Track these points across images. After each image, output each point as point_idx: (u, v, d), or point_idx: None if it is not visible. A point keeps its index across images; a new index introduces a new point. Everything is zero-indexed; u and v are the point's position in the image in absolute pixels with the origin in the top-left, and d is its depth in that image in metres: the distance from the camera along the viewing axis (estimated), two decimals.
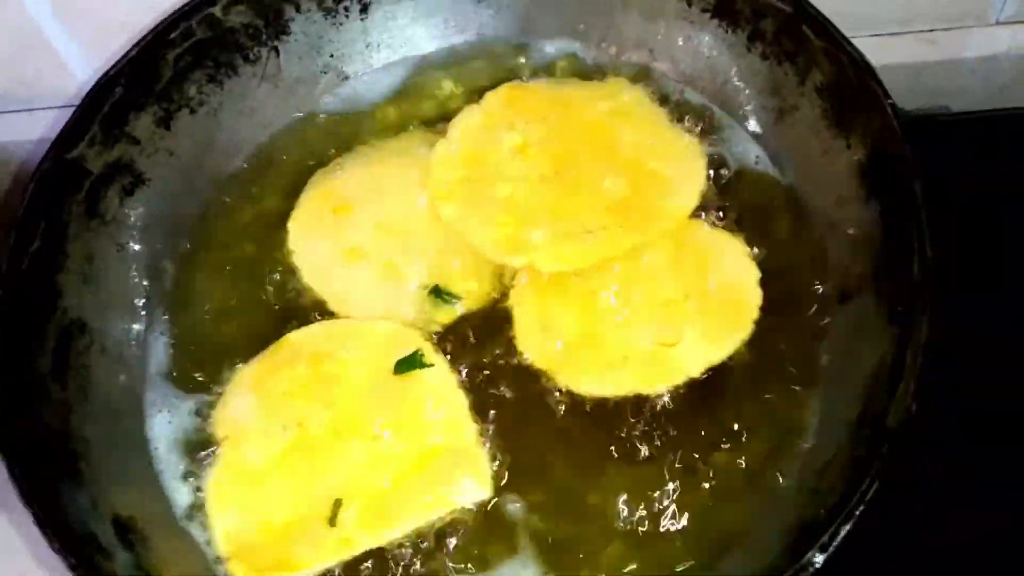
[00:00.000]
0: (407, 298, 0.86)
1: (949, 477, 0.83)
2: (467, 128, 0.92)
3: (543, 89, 0.94)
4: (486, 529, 0.77)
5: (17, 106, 1.08)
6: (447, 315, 0.86)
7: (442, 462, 0.79)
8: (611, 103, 0.92)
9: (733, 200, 0.88)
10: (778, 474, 0.77)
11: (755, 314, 0.82)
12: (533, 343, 0.83)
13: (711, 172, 0.89)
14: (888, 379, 0.71)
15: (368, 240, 0.89)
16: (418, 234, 0.89)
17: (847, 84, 0.82)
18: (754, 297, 0.83)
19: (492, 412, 0.81)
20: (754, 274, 0.84)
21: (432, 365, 0.82)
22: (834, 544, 0.64)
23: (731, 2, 0.89)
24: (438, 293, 0.86)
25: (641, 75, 0.95)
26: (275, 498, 0.79)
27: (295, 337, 0.85)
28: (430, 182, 0.90)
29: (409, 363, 0.82)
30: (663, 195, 0.87)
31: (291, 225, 0.91)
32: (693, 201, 0.87)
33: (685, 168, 0.89)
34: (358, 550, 0.77)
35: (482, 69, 0.98)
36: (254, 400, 0.83)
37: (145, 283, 0.90)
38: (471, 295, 0.86)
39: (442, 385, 0.82)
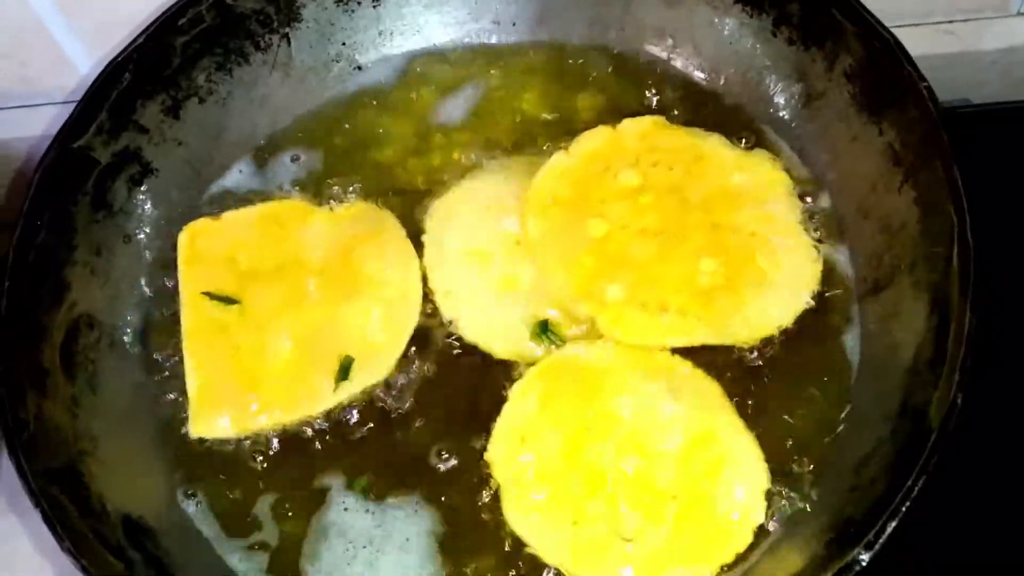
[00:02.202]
0: (514, 318, 0.83)
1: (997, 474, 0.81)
2: (591, 149, 0.88)
3: (685, 136, 0.88)
4: None
5: (18, 102, 1.05)
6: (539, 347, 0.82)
7: None
8: (747, 176, 0.85)
9: None
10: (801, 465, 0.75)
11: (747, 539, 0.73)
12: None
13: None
14: (930, 370, 0.69)
15: (498, 248, 0.85)
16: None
17: (879, 68, 0.80)
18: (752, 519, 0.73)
19: None
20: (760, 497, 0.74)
21: None
22: (880, 541, 0.61)
23: None
24: (544, 330, 0.81)
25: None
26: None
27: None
28: (532, 190, 0.86)
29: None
30: (756, 300, 0.80)
31: (436, 205, 0.88)
32: (786, 320, 0.80)
33: (794, 280, 0.81)
34: None
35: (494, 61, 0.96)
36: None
37: (154, 276, 0.87)
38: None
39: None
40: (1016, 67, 1.14)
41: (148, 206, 0.89)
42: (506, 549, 0.75)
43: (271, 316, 0.83)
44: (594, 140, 0.88)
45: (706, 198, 0.84)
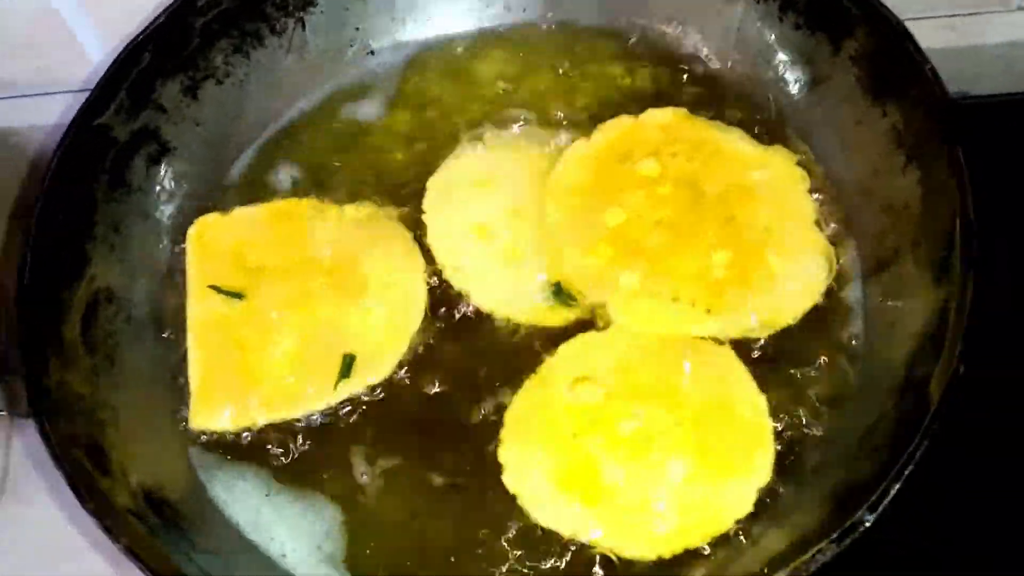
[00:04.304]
0: (525, 288, 0.84)
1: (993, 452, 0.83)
2: (612, 136, 0.89)
3: (706, 129, 0.89)
4: None
5: (34, 91, 1.07)
6: (557, 318, 0.83)
7: None
8: (765, 172, 0.86)
9: None
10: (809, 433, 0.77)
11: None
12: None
13: None
14: (932, 344, 0.70)
15: (499, 221, 0.87)
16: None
17: (884, 51, 0.81)
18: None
19: None
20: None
21: None
22: (884, 503, 0.63)
23: None
24: (559, 292, 0.83)
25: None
26: None
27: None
28: (553, 176, 0.88)
29: None
30: (767, 296, 0.81)
31: (431, 184, 0.90)
32: (796, 316, 0.81)
33: (806, 277, 0.82)
34: None
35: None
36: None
37: (172, 252, 0.89)
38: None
39: None
40: (1016, 62, 1.16)
41: (166, 184, 0.90)
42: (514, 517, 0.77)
43: (276, 313, 0.84)
44: (616, 129, 0.90)
45: (723, 191, 0.86)
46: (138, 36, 0.87)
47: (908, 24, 1.12)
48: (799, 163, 0.87)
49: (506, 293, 0.85)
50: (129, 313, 0.85)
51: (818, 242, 0.84)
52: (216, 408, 0.81)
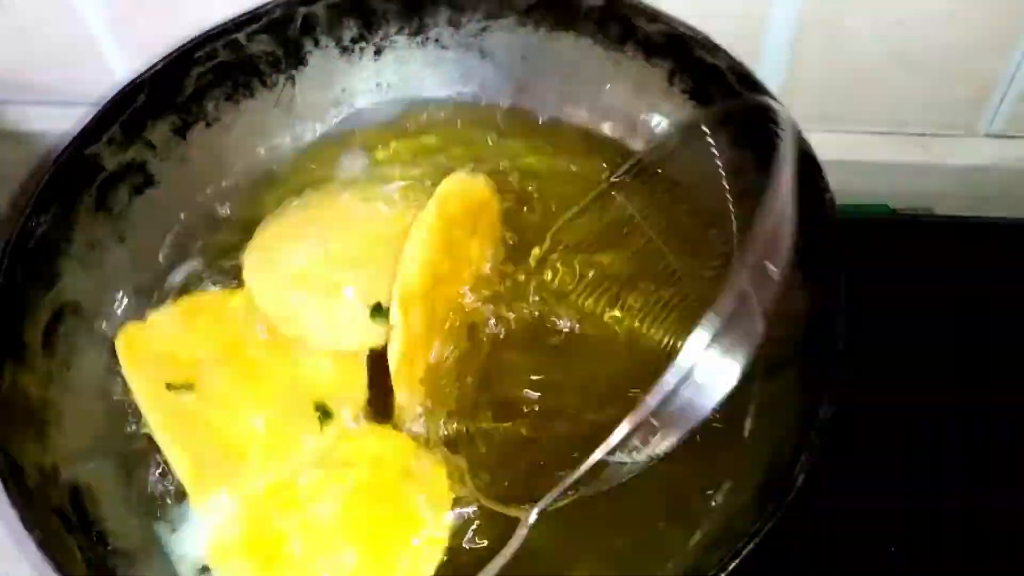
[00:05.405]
0: (351, 320, 0.91)
1: None
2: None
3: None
4: None
5: (58, 98, 1.16)
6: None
7: None
8: None
9: None
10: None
11: None
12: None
13: None
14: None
15: (315, 265, 0.93)
16: (369, 260, 0.92)
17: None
18: None
19: None
20: None
21: None
22: None
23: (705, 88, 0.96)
24: (379, 310, 0.88)
25: None
26: None
27: None
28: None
29: None
30: None
31: (246, 257, 0.96)
32: None
33: None
34: None
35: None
36: None
37: (140, 275, 0.97)
38: None
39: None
40: (981, 185, 1.20)
41: (146, 213, 0.98)
42: None
43: (230, 392, 0.89)
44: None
45: None
46: (137, 79, 0.96)
47: (881, 136, 1.19)
48: None
49: (333, 330, 0.91)
50: (92, 325, 0.93)
51: None
52: (213, 491, 0.85)
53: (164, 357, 0.91)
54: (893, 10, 1.03)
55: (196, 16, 0.98)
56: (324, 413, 0.88)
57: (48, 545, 0.75)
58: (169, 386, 0.89)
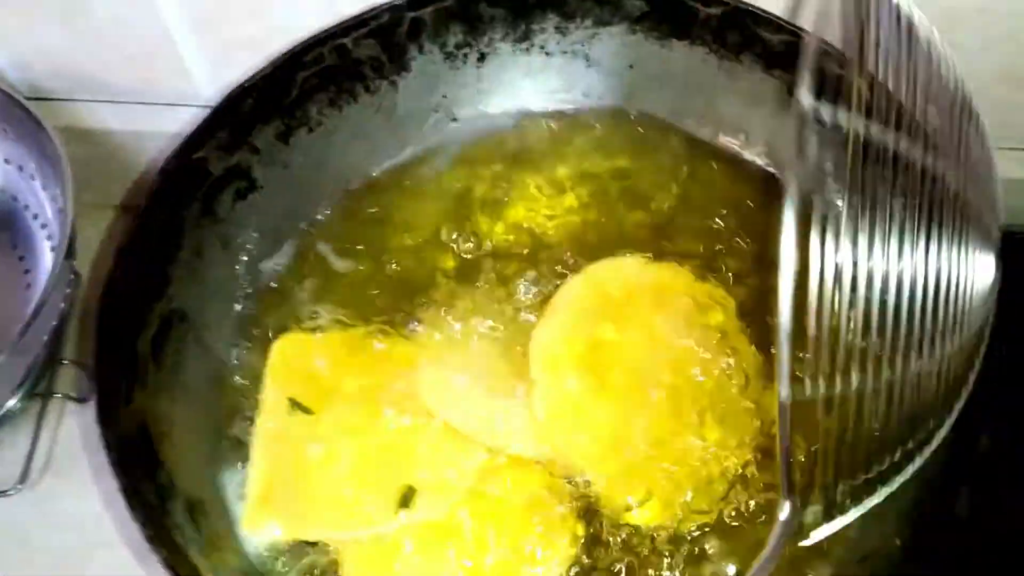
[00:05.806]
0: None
1: None
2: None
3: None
4: None
5: (136, 99, 1.14)
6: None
7: None
8: None
9: None
10: None
11: None
12: None
13: None
14: None
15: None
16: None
17: None
18: None
19: None
20: None
21: None
22: None
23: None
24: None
25: None
26: None
27: None
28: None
29: None
30: None
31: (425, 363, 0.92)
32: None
33: None
34: None
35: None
36: None
37: (245, 282, 0.96)
38: None
39: None
40: None
41: (249, 218, 0.97)
42: None
43: (342, 433, 0.87)
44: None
45: None
46: (245, 83, 0.94)
47: (1012, 152, 1.17)
48: None
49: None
50: (198, 335, 0.92)
51: None
52: (268, 519, 0.84)
53: (306, 375, 0.90)
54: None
55: (280, 20, 0.97)
56: (404, 501, 0.84)
57: (174, 564, 0.73)
58: (292, 401, 0.88)
